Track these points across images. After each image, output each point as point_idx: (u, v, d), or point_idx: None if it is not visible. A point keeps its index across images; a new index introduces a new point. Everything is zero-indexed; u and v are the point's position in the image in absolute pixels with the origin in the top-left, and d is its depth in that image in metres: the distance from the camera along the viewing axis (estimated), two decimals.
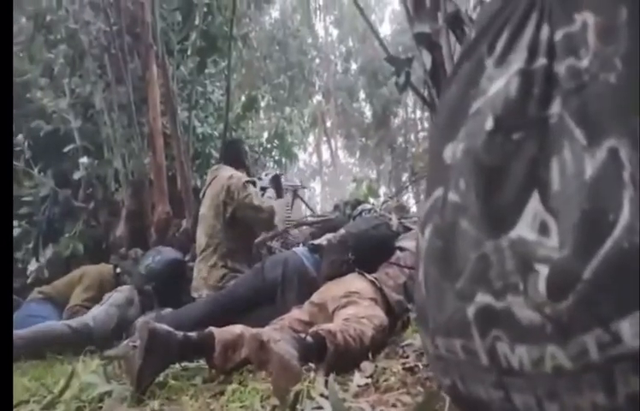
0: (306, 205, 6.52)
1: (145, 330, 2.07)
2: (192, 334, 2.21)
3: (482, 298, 0.62)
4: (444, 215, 0.67)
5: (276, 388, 1.75)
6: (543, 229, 0.58)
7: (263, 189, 3.93)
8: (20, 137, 5.12)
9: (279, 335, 1.90)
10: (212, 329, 2.22)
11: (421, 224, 0.73)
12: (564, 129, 0.60)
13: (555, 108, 0.62)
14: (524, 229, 0.60)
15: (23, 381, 2.64)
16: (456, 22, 2.66)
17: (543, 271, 0.58)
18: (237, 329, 2.25)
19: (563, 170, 0.58)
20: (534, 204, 0.60)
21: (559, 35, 0.64)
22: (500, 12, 0.71)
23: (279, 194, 4.09)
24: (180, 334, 2.16)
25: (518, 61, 0.65)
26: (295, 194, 4.66)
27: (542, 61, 0.64)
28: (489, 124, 0.65)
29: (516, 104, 0.64)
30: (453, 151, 0.68)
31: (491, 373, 0.63)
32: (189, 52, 5.97)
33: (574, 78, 0.61)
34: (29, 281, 4.75)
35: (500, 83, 0.66)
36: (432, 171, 0.74)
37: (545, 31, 0.65)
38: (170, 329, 2.13)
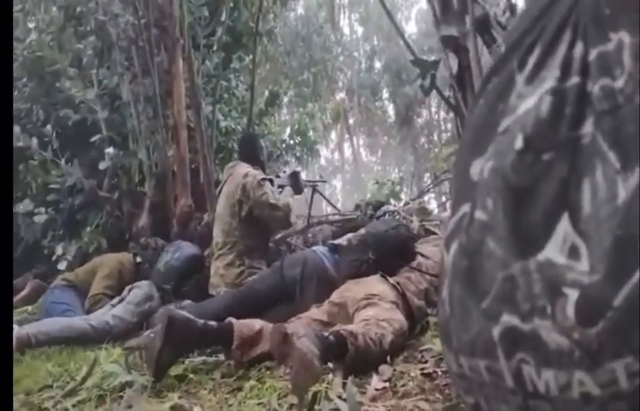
0: (327, 201, 6.50)
1: (165, 316, 2.11)
2: (212, 322, 2.24)
3: (509, 319, 0.61)
4: (470, 233, 0.67)
5: (295, 384, 1.76)
6: (573, 253, 0.58)
7: (281, 187, 3.93)
8: (48, 127, 5.23)
9: (303, 330, 1.90)
10: (232, 320, 2.24)
11: (446, 241, 0.73)
12: (596, 151, 0.59)
13: (588, 128, 0.60)
14: (553, 252, 0.59)
15: (47, 366, 2.70)
16: (484, 26, 2.63)
17: (572, 295, 0.57)
18: (257, 325, 2.27)
19: (595, 193, 0.57)
20: (564, 226, 0.59)
21: (593, 54, 0.63)
22: (532, 27, 0.69)
23: (297, 191, 4.08)
24: (200, 321, 2.19)
25: (550, 79, 0.64)
26: (314, 190, 4.65)
27: (574, 79, 0.62)
28: (519, 143, 0.64)
29: (547, 124, 0.63)
30: (480, 169, 0.68)
31: (516, 396, 0.62)
32: (215, 47, 6.01)
33: (608, 98, 0.59)
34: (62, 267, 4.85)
35: (530, 101, 0.64)
36: (458, 187, 0.73)
37: (579, 49, 0.63)
38: (190, 316, 2.17)
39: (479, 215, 0.66)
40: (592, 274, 0.56)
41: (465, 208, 0.69)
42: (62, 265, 4.85)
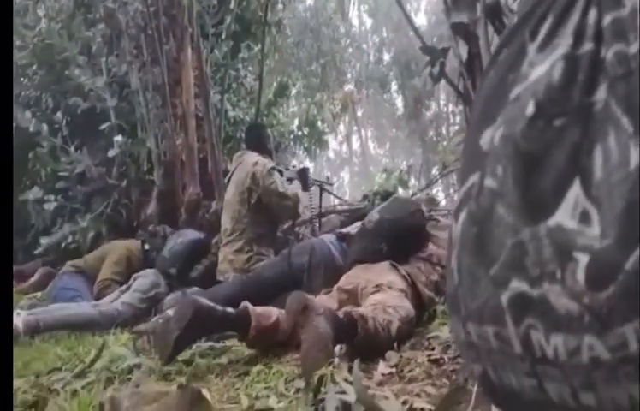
0: (335, 196, 6.53)
1: (190, 307, 2.11)
2: (230, 310, 2.25)
3: (517, 285, 0.61)
4: (479, 201, 0.66)
5: (305, 363, 1.76)
6: (584, 218, 0.57)
7: (290, 180, 3.95)
8: (58, 114, 5.26)
9: (322, 307, 1.90)
10: (247, 305, 2.25)
11: (455, 211, 0.72)
12: (609, 117, 0.58)
13: (601, 94, 0.60)
14: (563, 217, 0.58)
15: (56, 350, 2.74)
16: (495, 13, 2.61)
17: (583, 259, 0.56)
18: (273, 314, 2.27)
19: (607, 158, 0.56)
20: (575, 192, 0.58)
21: (607, 20, 0.62)
22: None
23: (304, 188, 4.10)
24: (219, 309, 2.21)
25: (562, 45, 0.63)
26: (322, 189, 4.70)
27: (588, 46, 0.62)
28: (530, 110, 0.63)
29: (559, 90, 0.62)
30: (490, 138, 0.67)
31: (524, 362, 0.62)
32: (223, 36, 6.01)
33: (622, 64, 0.59)
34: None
35: (542, 68, 0.64)
36: (467, 158, 0.72)
37: (592, 15, 0.63)
38: (211, 304, 2.19)
39: (489, 182, 0.65)
40: (603, 239, 0.55)
41: (475, 178, 0.68)
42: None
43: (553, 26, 0.64)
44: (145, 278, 3.63)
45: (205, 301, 2.19)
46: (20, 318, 2.90)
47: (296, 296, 1.94)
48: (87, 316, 3.20)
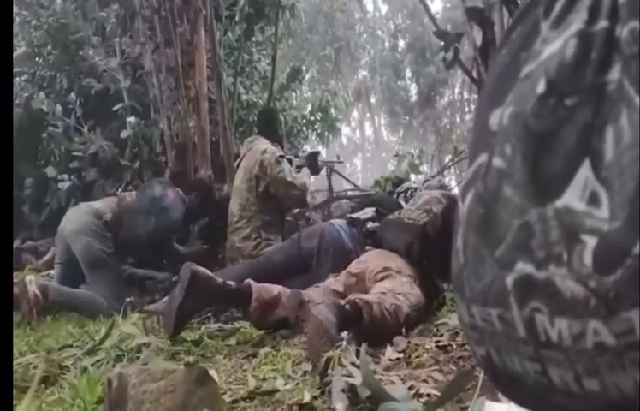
0: (346, 179, 6.51)
1: (188, 270, 2.17)
2: (231, 282, 2.29)
3: (523, 267, 0.60)
4: (487, 181, 0.65)
5: (310, 351, 1.79)
6: (593, 200, 0.55)
7: (299, 168, 3.95)
8: (72, 95, 5.31)
9: (320, 297, 1.93)
10: (250, 281, 2.29)
11: (462, 191, 0.71)
12: (623, 96, 0.56)
13: (614, 74, 0.58)
14: (572, 199, 0.57)
15: (68, 327, 2.78)
16: None
17: (590, 242, 0.55)
18: (275, 289, 2.31)
19: (619, 139, 0.55)
20: (584, 172, 0.57)
21: None
22: None
23: (313, 172, 4.10)
24: (219, 280, 2.25)
25: (576, 22, 0.61)
26: (332, 170, 4.68)
27: (603, 23, 0.59)
28: (541, 88, 0.61)
29: (571, 68, 0.60)
30: (499, 117, 0.65)
31: (528, 345, 0.61)
32: (237, 18, 6.00)
33: (637, 42, 0.57)
34: None
35: (555, 45, 0.62)
36: (476, 139, 0.71)
37: None
38: (211, 274, 2.24)
39: (497, 162, 0.64)
40: (612, 221, 0.54)
41: (483, 158, 0.67)
42: None
43: (567, 3, 0.62)
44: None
45: (203, 270, 2.25)
46: (33, 284, 2.93)
47: (292, 295, 2.00)
48: (94, 304, 3.23)
